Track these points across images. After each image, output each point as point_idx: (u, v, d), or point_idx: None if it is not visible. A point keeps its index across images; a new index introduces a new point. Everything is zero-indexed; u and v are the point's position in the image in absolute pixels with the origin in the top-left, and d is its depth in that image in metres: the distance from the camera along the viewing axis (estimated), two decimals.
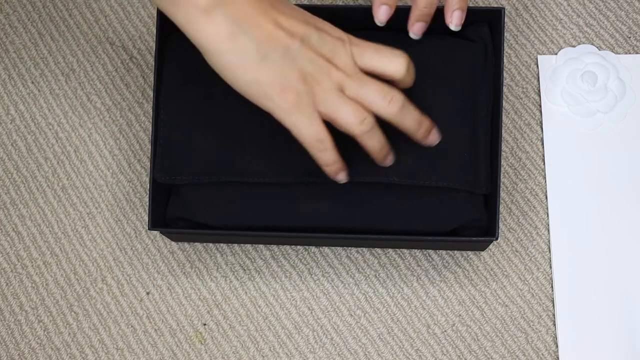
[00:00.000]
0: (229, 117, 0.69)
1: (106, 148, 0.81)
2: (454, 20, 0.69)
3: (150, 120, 0.81)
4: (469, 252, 0.77)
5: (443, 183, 0.69)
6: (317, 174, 0.65)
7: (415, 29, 0.69)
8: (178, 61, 0.71)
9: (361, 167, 0.66)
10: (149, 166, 0.81)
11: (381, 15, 0.68)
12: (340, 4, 0.83)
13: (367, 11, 0.69)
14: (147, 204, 0.79)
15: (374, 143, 0.63)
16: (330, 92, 0.60)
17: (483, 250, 0.77)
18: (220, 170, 0.69)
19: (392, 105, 0.61)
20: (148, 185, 0.80)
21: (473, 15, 0.70)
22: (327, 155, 0.62)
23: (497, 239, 0.69)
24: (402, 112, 0.62)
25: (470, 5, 0.72)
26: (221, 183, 0.70)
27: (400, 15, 0.69)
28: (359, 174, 0.67)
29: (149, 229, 0.71)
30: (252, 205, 0.70)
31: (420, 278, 0.77)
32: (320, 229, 0.70)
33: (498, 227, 0.69)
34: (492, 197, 0.70)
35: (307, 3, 0.81)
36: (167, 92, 0.71)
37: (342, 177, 0.65)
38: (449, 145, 0.68)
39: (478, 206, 0.71)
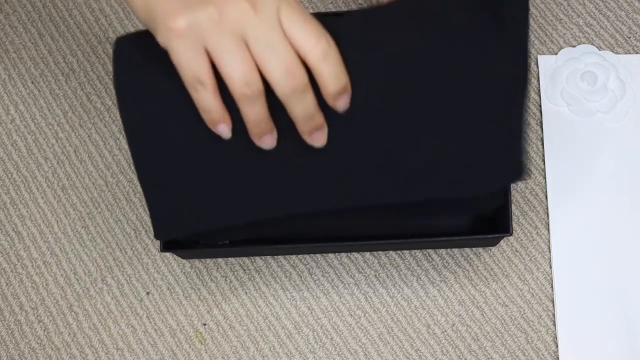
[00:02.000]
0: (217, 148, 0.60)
1: (106, 148, 0.81)
2: None
3: None
4: (469, 252, 0.77)
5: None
6: (342, 197, 0.60)
7: None
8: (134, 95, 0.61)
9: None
10: None
11: None
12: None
13: None
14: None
15: (254, 112, 0.54)
16: (228, 36, 0.52)
17: (494, 245, 0.77)
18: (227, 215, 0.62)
19: (289, 84, 0.53)
20: None
21: None
22: (203, 100, 0.54)
23: (511, 234, 0.69)
24: (297, 96, 0.54)
25: None
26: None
27: None
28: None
29: (161, 251, 0.71)
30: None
31: (420, 278, 0.77)
32: (331, 228, 0.68)
33: (511, 223, 0.69)
34: (503, 192, 0.70)
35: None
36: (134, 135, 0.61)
37: (223, 131, 0.56)
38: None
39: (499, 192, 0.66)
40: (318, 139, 0.58)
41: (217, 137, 0.57)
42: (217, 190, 0.60)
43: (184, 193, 0.61)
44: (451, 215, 0.69)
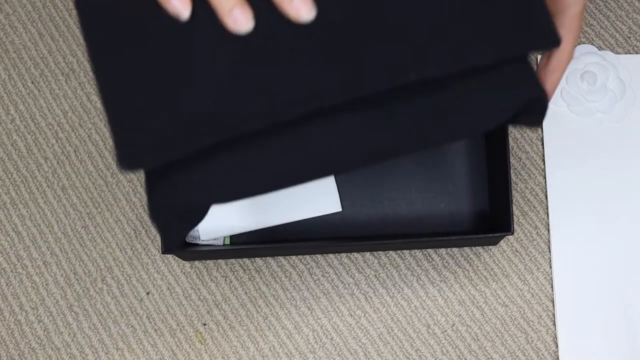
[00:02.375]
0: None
1: (106, 148, 0.81)
2: None
3: None
4: (469, 252, 0.77)
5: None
6: (322, 93, 0.46)
7: None
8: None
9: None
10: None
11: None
12: None
13: None
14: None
15: None
16: None
17: (494, 245, 0.77)
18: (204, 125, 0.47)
19: None
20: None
21: None
22: None
23: (512, 233, 0.69)
24: None
25: None
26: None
27: None
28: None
29: (162, 253, 0.71)
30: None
31: (420, 278, 0.77)
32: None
33: (513, 222, 0.69)
34: (504, 190, 0.70)
35: None
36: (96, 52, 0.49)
37: (177, 6, 0.45)
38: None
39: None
40: (239, 20, 0.44)
41: (181, 28, 0.46)
42: (191, 95, 0.47)
43: (152, 102, 0.47)
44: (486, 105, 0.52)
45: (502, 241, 0.77)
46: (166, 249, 0.70)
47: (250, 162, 0.49)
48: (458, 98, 0.50)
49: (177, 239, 0.54)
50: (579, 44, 0.81)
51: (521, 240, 0.78)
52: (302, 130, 0.49)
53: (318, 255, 0.78)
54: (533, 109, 0.53)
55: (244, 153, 0.49)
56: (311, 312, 0.77)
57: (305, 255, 0.78)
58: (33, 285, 0.79)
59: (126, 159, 0.47)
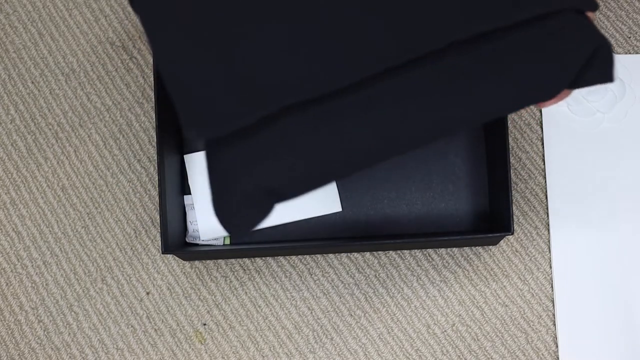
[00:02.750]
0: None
1: (106, 148, 0.81)
2: None
3: (150, 121, 0.81)
4: (469, 252, 0.77)
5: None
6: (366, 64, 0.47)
7: None
8: None
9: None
10: (150, 167, 0.81)
11: None
12: None
13: None
14: (148, 205, 0.79)
15: None
16: None
17: (495, 245, 0.77)
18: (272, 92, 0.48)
19: None
20: (148, 186, 0.80)
21: None
22: None
23: (512, 233, 0.69)
24: None
25: None
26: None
27: None
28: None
29: (162, 253, 0.71)
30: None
31: (420, 278, 0.77)
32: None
33: (513, 222, 0.69)
34: (504, 190, 0.70)
35: None
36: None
37: None
38: None
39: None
40: None
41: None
42: (254, 55, 0.48)
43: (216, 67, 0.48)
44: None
45: (502, 241, 0.77)
46: (165, 249, 0.70)
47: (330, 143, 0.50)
48: (525, 59, 0.51)
49: (251, 224, 0.54)
50: None
51: (521, 240, 0.78)
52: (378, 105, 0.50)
53: (318, 255, 0.78)
54: (598, 63, 0.52)
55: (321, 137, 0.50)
56: (311, 312, 0.77)
57: (305, 255, 0.78)
58: (33, 285, 0.79)
59: (195, 125, 0.48)
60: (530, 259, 0.77)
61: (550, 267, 0.77)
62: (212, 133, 0.48)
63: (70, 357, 0.77)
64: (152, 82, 0.79)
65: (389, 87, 0.50)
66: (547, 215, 0.78)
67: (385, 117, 0.50)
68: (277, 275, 0.78)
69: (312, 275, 0.78)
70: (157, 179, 0.79)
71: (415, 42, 0.48)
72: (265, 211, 0.52)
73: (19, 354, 0.78)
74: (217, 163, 0.51)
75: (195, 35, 0.49)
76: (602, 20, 0.81)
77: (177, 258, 0.78)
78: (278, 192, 0.51)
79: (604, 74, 0.53)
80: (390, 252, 0.78)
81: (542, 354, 0.76)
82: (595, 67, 0.52)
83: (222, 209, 0.52)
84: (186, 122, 0.48)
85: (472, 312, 0.77)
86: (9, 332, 0.78)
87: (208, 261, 0.78)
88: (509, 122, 0.79)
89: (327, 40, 0.48)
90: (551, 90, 0.52)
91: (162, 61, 0.49)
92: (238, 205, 0.51)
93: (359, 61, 0.48)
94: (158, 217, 0.79)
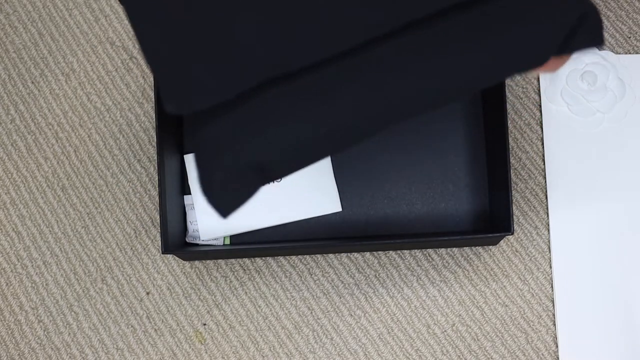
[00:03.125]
0: None
1: (106, 148, 0.81)
2: None
3: (150, 121, 0.81)
4: (469, 252, 0.77)
5: None
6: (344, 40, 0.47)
7: None
8: None
9: None
10: (150, 167, 0.81)
11: None
12: None
13: None
14: (148, 205, 0.79)
15: None
16: None
17: (495, 245, 0.77)
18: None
19: None
20: (148, 186, 0.80)
21: None
22: None
23: (512, 233, 0.69)
24: None
25: None
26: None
27: None
28: None
29: (162, 253, 0.70)
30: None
31: (420, 278, 0.77)
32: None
33: (513, 222, 0.69)
34: (504, 190, 0.70)
35: None
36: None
37: None
38: None
39: None
40: None
41: None
42: (243, 31, 0.48)
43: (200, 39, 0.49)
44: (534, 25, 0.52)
45: (502, 241, 0.77)
46: (166, 249, 0.70)
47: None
48: (512, 22, 0.50)
49: (243, 199, 0.53)
50: None
51: (521, 240, 0.78)
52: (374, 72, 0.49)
53: (318, 255, 0.78)
54: (587, 26, 0.52)
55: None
56: (311, 312, 0.77)
57: (305, 255, 0.78)
58: (33, 285, 0.79)
59: (175, 99, 0.48)
60: (530, 259, 0.77)
61: (550, 267, 0.77)
62: (189, 108, 0.48)
63: (70, 357, 0.77)
64: (152, 82, 0.79)
65: (376, 55, 0.49)
66: (547, 215, 0.78)
67: (373, 85, 0.49)
68: (277, 275, 0.78)
69: (312, 275, 0.78)
70: (157, 179, 0.79)
71: (400, 9, 0.48)
72: (251, 188, 0.52)
73: (19, 354, 0.78)
74: (200, 140, 0.51)
75: (175, 14, 0.49)
76: (602, 20, 0.81)
77: (177, 258, 0.78)
78: (263, 167, 0.51)
79: (593, 37, 0.52)
80: (390, 252, 0.78)
81: (542, 354, 0.76)
82: (584, 31, 0.52)
83: (208, 186, 0.52)
84: (165, 96, 0.48)
85: (472, 312, 0.77)
86: (9, 332, 0.78)
87: (208, 261, 0.78)
88: (509, 122, 0.79)
89: (308, 12, 0.48)
90: (540, 55, 0.51)
91: (143, 38, 0.49)
92: (223, 182, 0.52)
93: (342, 31, 0.48)
94: (158, 217, 0.79)
